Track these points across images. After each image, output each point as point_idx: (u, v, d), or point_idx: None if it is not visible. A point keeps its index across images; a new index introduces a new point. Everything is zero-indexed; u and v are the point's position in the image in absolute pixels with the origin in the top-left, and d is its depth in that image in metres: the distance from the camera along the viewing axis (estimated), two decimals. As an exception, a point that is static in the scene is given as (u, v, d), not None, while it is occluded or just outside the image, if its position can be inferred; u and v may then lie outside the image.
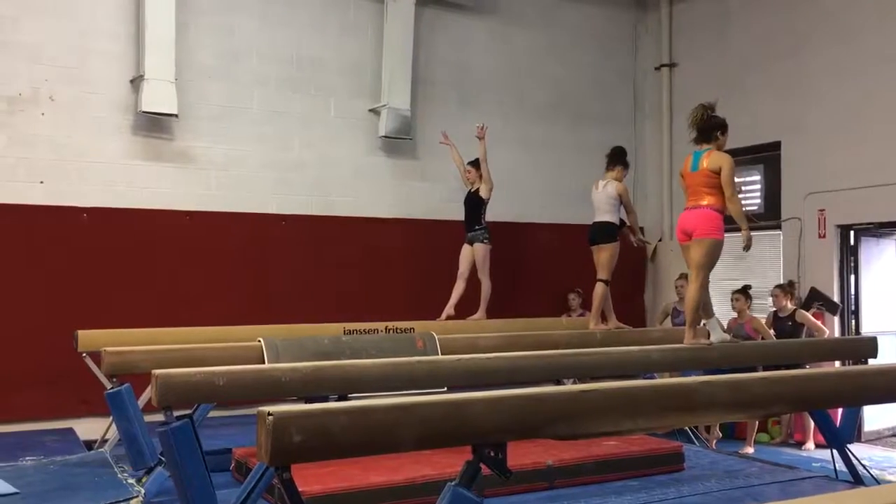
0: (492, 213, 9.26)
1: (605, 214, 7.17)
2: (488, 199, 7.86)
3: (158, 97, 7.58)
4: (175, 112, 7.70)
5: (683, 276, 8.56)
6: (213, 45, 8.11)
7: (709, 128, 5.41)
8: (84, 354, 6.18)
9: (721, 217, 5.42)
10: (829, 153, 8.44)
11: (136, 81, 7.65)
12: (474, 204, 7.90)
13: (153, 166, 7.84)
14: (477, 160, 7.98)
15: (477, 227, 7.86)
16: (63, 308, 7.18)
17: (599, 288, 7.13)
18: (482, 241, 7.82)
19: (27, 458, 5.98)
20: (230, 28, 8.21)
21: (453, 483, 2.87)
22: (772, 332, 8.00)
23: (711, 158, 5.35)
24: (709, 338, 5.55)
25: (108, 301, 7.36)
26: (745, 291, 8.15)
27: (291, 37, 8.48)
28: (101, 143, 7.64)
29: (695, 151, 5.49)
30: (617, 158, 7.35)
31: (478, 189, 7.90)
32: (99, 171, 7.61)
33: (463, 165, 8.13)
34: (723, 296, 9.29)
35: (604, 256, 7.12)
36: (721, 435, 8.27)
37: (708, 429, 8.16)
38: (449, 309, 7.77)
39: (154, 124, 7.80)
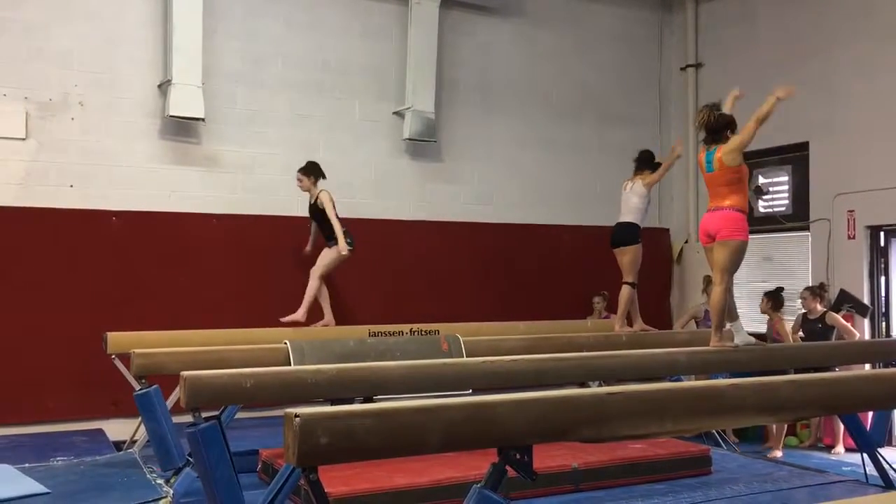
0: (516, 215, 9.34)
1: (629, 215, 7.10)
2: (332, 203, 7.33)
3: (186, 101, 7.66)
4: (202, 116, 7.78)
5: (709, 280, 8.52)
6: (239, 49, 8.19)
7: (718, 127, 5.34)
8: (113, 356, 6.25)
9: (744, 218, 5.36)
10: (859, 153, 8.34)
11: (164, 86, 7.74)
12: (319, 217, 7.40)
13: (181, 170, 7.93)
14: (307, 166, 7.47)
15: (335, 234, 7.32)
16: (92, 310, 7.27)
17: (626, 291, 7.08)
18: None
19: (58, 458, 6.06)
20: (256, 33, 8.27)
21: (479, 485, 2.87)
22: (801, 334, 7.92)
23: (723, 150, 5.28)
24: (733, 340, 5.50)
25: (137, 303, 7.44)
26: (772, 295, 8.07)
27: (316, 41, 8.53)
28: (130, 147, 7.74)
29: (707, 151, 5.42)
30: (645, 163, 7.20)
31: (317, 201, 7.39)
32: (128, 175, 7.71)
33: None
34: (750, 298, 9.24)
35: (627, 259, 7.07)
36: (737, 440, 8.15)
37: (737, 432, 8.08)
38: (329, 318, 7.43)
39: (181, 128, 7.89)
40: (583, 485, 5.17)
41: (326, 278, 7.50)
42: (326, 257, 7.42)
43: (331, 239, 7.40)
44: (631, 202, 7.09)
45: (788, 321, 8.12)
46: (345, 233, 7.34)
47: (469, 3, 9.21)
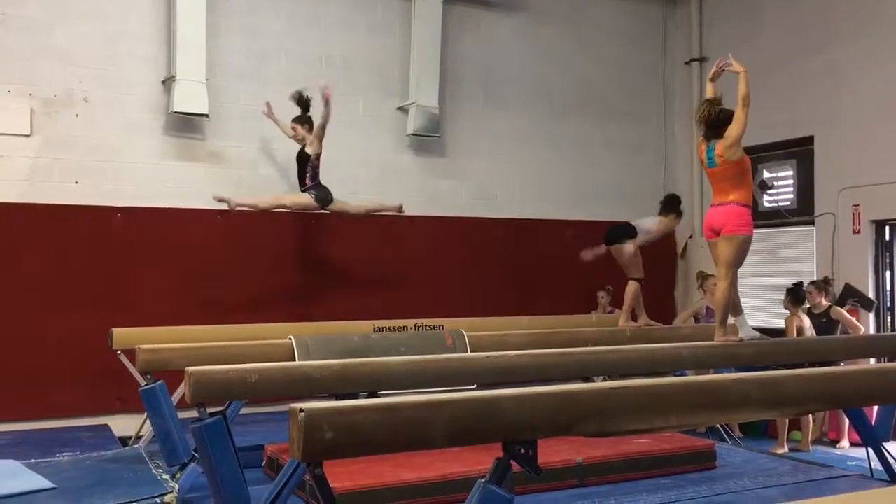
0: (520, 210, 9.33)
1: (634, 223, 7.12)
2: (318, 156, 7.50)
3: (190, 98, 7.67)
4: (206, 112, 7.79)
5: (704, 276, 8.51)
6: (242, 45, 8.19)
7: (719, 122, 5.29)
8: (119, 352, 6.27)
9: (749, 212, 5.34)
10: (864, 147, 8.31)
11: (168, 82, 7.75)
12: (302, 161, 7.58)
13: (185, 166, 7.94)
14: (302, 116, 7.62)
15: (307, 186, 7.54)
16: (98, 306, 7.29)
17: (632, 286, 7.08)
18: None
19: (63, 453, 6.08)
20: (259, 29, 8.28)
21: (484, 480, 2.87)
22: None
23: (722, 146, 5.23)
24: (738, 334, 5.49)
25: (142, 299, 7.46)
26: (792, 290, 8.05)
27: (320, 36, 8.53)
28: (134, 143, 7.75)
29: (707, 147, 5.38)
30: (670, 206, 7.21)
31: (304, 146, 7.57)
32: (132, 172, 7.72)
33: (287, 128, 7.71)
34: (754, 292, 9.23)
35: (625, 256, 7.07)
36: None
37: (742, 427, 8.07)
38: None
39: (185, 124, 7.90)
40: (587, 480, 5.17)
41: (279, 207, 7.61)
42: (299, 199, 7.55)
43: (302, 184, 7.52)
44: (644, 224, 7.11)
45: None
46: (318, 185, 7.49)
47: (472, -1, 9.21)
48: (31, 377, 7.09)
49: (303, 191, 7.58)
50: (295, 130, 7.66)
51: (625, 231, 7.08)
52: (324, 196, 7.52)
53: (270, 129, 8.27)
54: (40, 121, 7.40)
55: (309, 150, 7.50)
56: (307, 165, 7.52)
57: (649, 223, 7.15)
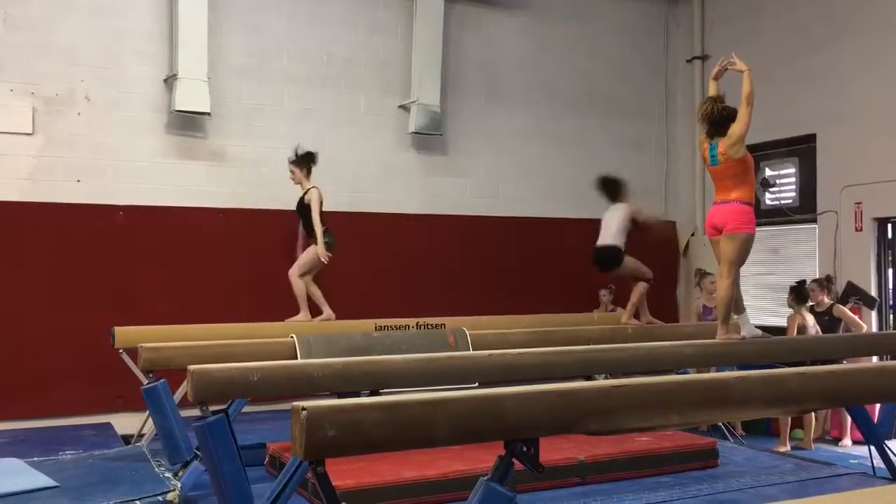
0: (522, 208, 9.33)
1: (611, 237, 6.89)
2: (319, 203, 7.05)
3: (191, 96, 7.68)
4: (208, 110, 7.79)
5: (702, 273, 8.50)
6: (244, 43, 8.20)
7: (721, 120, 5.29)
8: (121, 350, 6.27)
9: (751, 210, 5.34)
10: (866, 145, 8.31)
11: (170, 81, 7.76)
12: (304, 213, 7.13)
13: (187, 164, 7.95)
14: (299, 157, 7.17)
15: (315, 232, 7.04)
16: (99, 304, 7.30)
17: (641, 284, 7.05)
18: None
19: (66, 452, 6.09)
20: (261, 27, 8.28)
21: (486, 478, 2.87)
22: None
23: (725, 144, 5.23)
24: (740, 332, 5.49)
25: (144, 297, 7.47)
26: (795, 289, 8.04)
27: (321, 35, 8.53)
28: (136, 141, 7.76)
29: (710, 144, 5.38)
30: (614, 189, 7.02)
31: (305, 196, 7.12)
32: (134, 170, 7.73)
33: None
34: (756, 290, 9.21)
35: (624, 273, 7.00)
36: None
37: (745, 425, 8.06)
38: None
39: (187, 123, 7.90)
40: (589, 478, 5.17)
41: (313, 275, 7.21)
42: (305, 257, 7.16)
43: (312, 237, 7.13)
44: (613, 223, 6.92)
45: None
46: (325, 231, 7.05)
47: (474, -4, 9.21)
48: (33, 376, 7.11)
49: (311, 239, 7.13)
50: (293, 173, 7.22)
51: (615, 258, 6.85)
52: (331, 242, 7.08)
53: (272, 128, 8.29)
54: (42, 119, 7.41)
55: (306, 201, 7.11)
56: (310, 217, 7.08)
57: (618, 220, 6.96)
